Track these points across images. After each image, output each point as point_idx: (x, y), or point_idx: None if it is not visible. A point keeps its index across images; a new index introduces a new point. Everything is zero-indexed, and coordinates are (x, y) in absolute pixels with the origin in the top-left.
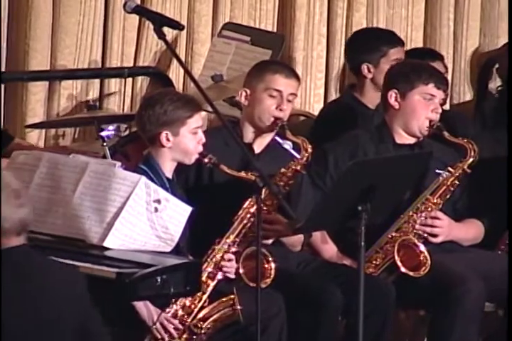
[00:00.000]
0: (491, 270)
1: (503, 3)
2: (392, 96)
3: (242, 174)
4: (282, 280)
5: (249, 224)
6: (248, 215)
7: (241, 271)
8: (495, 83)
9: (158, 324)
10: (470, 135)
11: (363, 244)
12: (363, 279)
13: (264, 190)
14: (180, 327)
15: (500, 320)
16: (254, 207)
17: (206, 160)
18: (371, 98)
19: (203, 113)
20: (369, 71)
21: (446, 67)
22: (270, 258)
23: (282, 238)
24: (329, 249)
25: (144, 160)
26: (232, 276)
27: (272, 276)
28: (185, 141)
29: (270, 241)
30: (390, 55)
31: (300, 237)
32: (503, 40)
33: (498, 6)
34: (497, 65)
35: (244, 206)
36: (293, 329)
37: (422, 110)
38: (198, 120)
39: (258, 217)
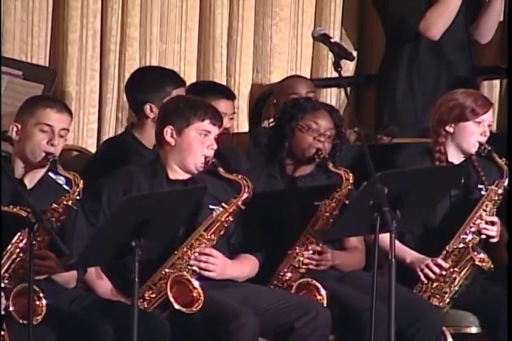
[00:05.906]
0: (264, 305)
1: (275, 40)
2: (168, 132)
3: (8, 209)
4: (55, 317)
5: (18, 259)
6: (17, 250)
7: (11, 308)
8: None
9: None
10: (243, 170)
11: (136, 280)
12: (136, 315)
13: (36, 226)
14: None
15: None
16: (24, 242)
17: None
18: (150, 137)
19: None
20: (151, 111)
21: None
22: (41, 295)
23: (54, 275)
24: (103, 285)
25: None
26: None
27: (43, 313)
28: None
29: (42, 278)
30: (173, 96)
31: (74, 273)
32: (276, 75)
33: (271, 43)
34: (274, 101)
35: (13, 241)
36: None
37: (197, 146)
38: None
39: (30, 253)
